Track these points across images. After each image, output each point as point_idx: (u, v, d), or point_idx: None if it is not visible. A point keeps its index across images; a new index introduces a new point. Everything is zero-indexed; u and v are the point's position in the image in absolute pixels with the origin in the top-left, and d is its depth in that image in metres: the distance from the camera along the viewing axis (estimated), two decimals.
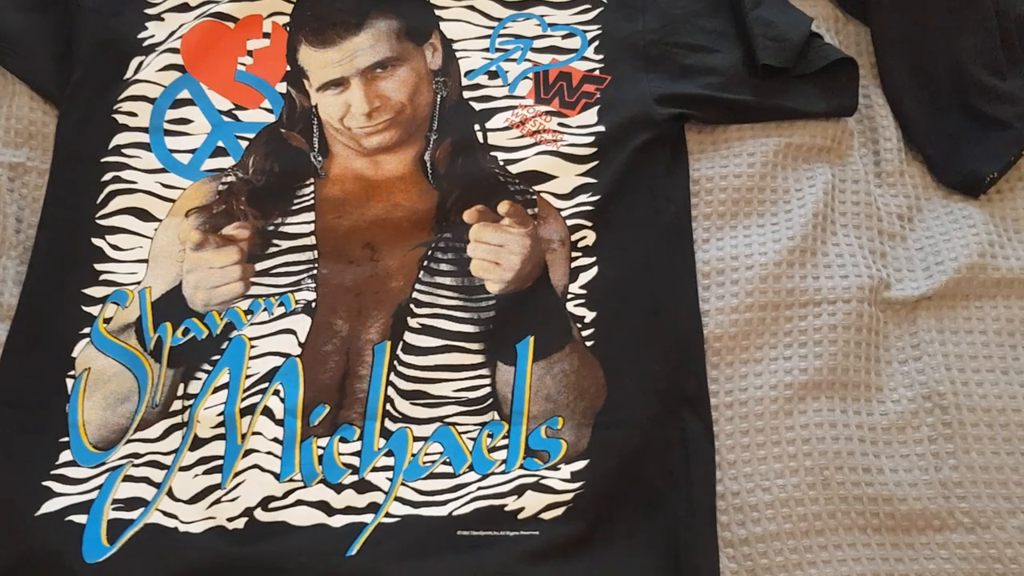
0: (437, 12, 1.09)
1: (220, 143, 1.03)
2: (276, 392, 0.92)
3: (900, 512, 0.91)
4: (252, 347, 0.94)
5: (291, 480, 0.89)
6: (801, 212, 1.03)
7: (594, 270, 0.98)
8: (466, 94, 1.06)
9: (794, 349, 0.97)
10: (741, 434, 0.94)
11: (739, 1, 1.09)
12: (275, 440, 0.90)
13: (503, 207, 1.00)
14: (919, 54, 1.11)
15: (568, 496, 0.88)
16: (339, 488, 0.89)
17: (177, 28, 1.07)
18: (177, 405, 0.93)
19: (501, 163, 1.02)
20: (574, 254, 0.99)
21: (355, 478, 0.90)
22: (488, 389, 0.94)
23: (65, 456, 0.91)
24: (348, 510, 0.88)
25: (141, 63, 1.05)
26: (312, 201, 1.01)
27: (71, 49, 1.06)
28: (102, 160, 1.02)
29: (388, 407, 0.92)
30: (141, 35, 1.07)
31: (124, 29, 1.07)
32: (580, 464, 0.90)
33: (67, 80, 1.05)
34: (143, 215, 1.00)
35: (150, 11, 1.08)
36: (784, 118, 1.07)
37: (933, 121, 1.09)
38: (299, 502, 0.88)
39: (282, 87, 1.06)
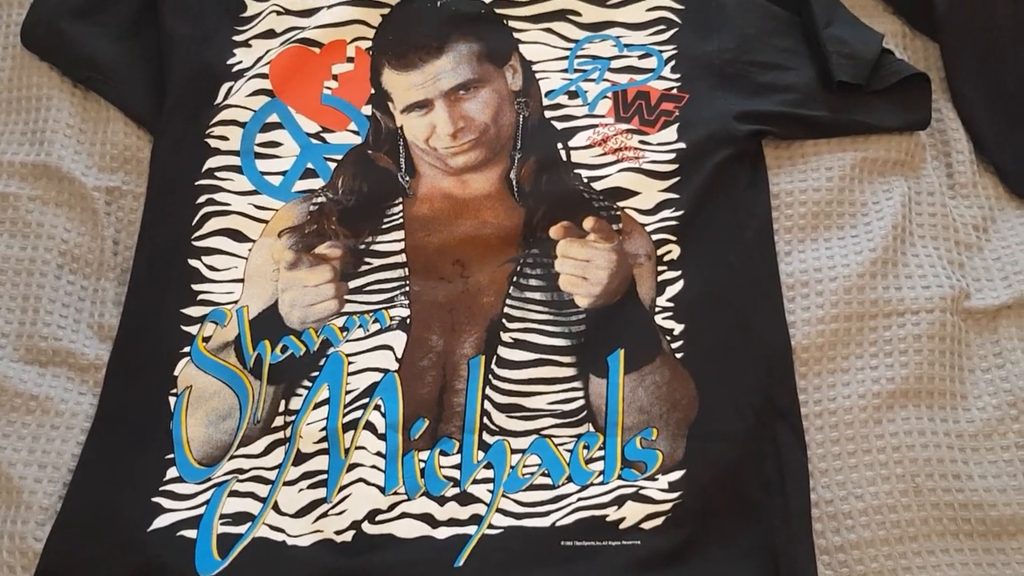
0: (516, 35, 1.11)
1: (309, 165, 1.05)
2: (377, 407, 0.94)
3: (991, 518, 0.93)
4: (350, 363, 0.96)
5: (395, 493, 0.91)
6: (880, 224, 1.05)
7: (680, 283, 1.00)
8: (547, 114, 1.08)
9: (880, 359, 0.99)
10: (832, 443, 0.95)
11: (811, 20, 1.11)
12: (378, 454, 0.92)
13: (588, 223, 1.02)
14: (988, 67, 1.13)
15: (667, 506, 0.90)
16: (442, 500, 0.91)
17: (264, 54, 1.10)
18: (279, 421, 0.94)
19: (585, 180, 1.04)
20: (660, 268, 1.00)
21: (457, 490, 0.91)
22: (582, 401, 0.95)
23: (172, 473, 0.93)
24: (452, 522, 0.90)
25: (231, 88, 1.08)
26: (401, 220, 1.03)
27: (163, 76, 1.09)
28: (196, 183, 1.04)
29: (485, 420, 0.94)
30: (230, 61, 1.09)
31: (213, 56, 1.09)
32: (677, 474, 0.92)
33: (160, 106, 1.08)
34: (237, 236, 1.02)
35: (237, 38, 1.11)
36: (859, 133, 1.09)
37: (1005, 133, 1.11)
38: (404, 515, 0.90)
39: (367, 110, 1.08)
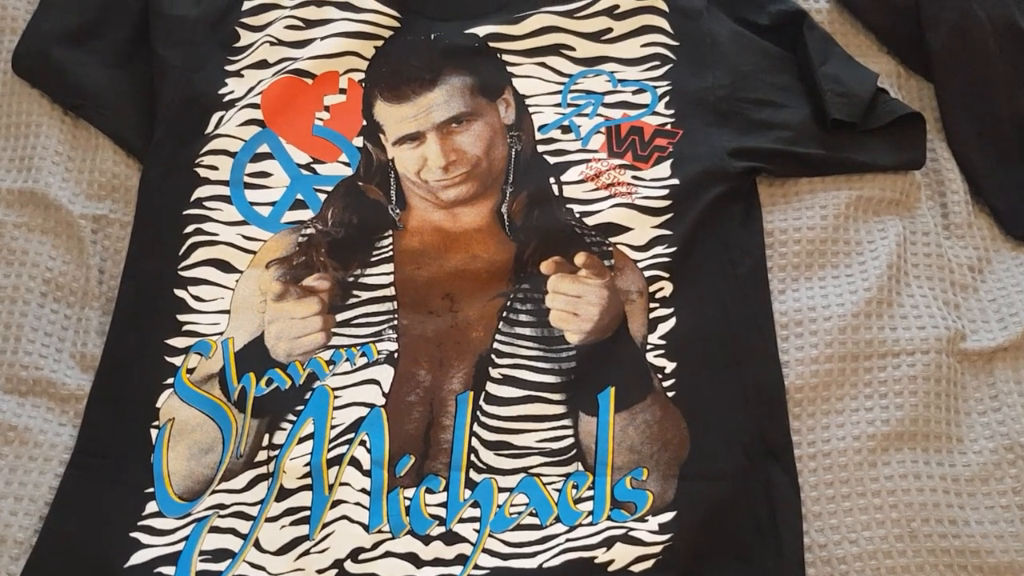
0: (509, 68, 1.11)
1: (299, 196, 1.04)
2: (362, 442, 0.92)
3: (988, 565, 0.91)
4: (336, 397, 0.95)
5: (379, 531, 0.89)
6: (875, 264, 1.04)
7: (672, 321, 0.98)
8: (540, 148, 1.07)
9: (875, 400, 0.97)
10: (826, 486, 0.94)
11: (806, 58, 1.10)
12: (363, 491, 0.90)
13: (580, 259, 1.00)
14: (983, 108, 1.12)
15: (657, 548, 0.88)
16: (427, 540, 0.89)
17: (256, 84, 1.09)
18: (262, 456, 0.93)
19: (577, 215, 1.03)
20: (652, 305, 0.99)
21: (442, 529, 0.89)
22: (571, 440, 0.94)
23: (151, 507, 0.91)
24: (436, 562, 0.88)
25: (222, 118, 1.07)
26: (391, 252, 1.02)
27: (153, 104, 1.08)
28: (184, 213, 1.03)
29: (472, 458, 0.93)
30: (222, 91, 1.09)
31: (205, 85, 1.09)
32: (668, 516, 0.90)
33: (150, 134, 1.07)
34: (224, 266, 1.01)
35: (230, 68, 1.10)
36: (853, 172, 1.09)
37: (999, 175, 1.11)
38: (388, 554, 0.88)
39: (359, 141, 1.07)
